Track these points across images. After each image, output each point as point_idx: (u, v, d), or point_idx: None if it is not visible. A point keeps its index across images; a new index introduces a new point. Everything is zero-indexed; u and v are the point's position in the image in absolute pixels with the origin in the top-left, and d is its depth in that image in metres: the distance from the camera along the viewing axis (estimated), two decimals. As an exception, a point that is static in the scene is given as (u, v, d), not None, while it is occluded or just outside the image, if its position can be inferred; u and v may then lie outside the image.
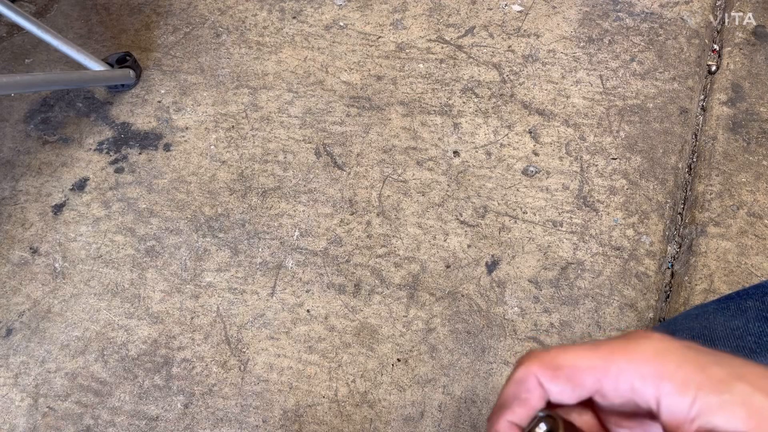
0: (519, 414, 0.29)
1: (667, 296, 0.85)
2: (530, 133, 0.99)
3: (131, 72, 1.10)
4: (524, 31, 1.11)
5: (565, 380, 0.27)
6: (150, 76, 1.13)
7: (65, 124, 1.10)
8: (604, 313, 0.83)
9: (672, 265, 0.88)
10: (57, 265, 0.94)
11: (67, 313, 0.90)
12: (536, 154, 0.97)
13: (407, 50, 1.11)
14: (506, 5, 1.15)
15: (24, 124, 1.10)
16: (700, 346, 0.27)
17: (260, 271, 0.91)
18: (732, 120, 0.96)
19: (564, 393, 0.28)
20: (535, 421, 0.29)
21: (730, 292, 0.48)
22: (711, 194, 0.90)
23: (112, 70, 1.09)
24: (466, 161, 0.97)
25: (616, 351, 0.27)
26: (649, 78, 1.03)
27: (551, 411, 0.29)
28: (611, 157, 0.96)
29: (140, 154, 1.04)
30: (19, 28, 1.19)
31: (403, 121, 1.03)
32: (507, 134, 1.00)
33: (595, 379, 0.27)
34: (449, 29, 1.13)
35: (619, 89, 1.02)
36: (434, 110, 1.03)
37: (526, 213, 0.92)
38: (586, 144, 0.97)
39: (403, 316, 0.85)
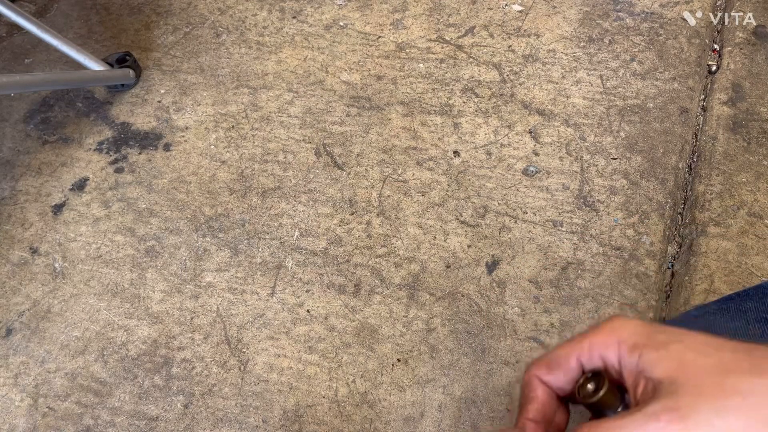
0: (532, 411, 0.35)
1: (668, 296, 0.85)
2: (530, 133, 0.99)
3: (131, 72, 1.10)
4: (524, 30, 1.11)
5: (557, 368, 0.34)
6: (150, 76, 1.13)
7: (65, 124, 1.10)
8: (604, 313, 0.83)
9: (672, 265, 0.88)
10: (57, 265, 0.94)
11: (66, 313, 0.90)
12: (536, 154, 0.97)
13: (407, 50, 1.11)
14: (506, 5, 1.15)
15: (24, 124, 1.10)
16: (655, 324, 0.33)
17: (260, 271, 0.90)
18: (732, 120, 0.96)
19: (560, 379, 0.35)
20: (582, 381, 0.34)
21: (731, 292, 0.48)
22: (711, 194, 0.90)
23: (112, 69, 1.09)
24: (467, 161, 0.97)
25: (588, 333, 0.34)
26: (650, 78, 1.03)
27: (599, 369, 0.34)
28: (611, 157, 0.96)
29: (140, 154, 1.04)
30: (19, 28, 1.19)
31: (403, 121, 1.02)
32: (507, 134, 1.00)
33: (576, 358, 0.34)
34: (449, 29, 1.13)
35: (619, 89, 1.02)
36: (434, 110, 1.03)
37: (527, 213, 0.92)
38: (586, 144, 0.97)
39: (403, 316, 0.85)
